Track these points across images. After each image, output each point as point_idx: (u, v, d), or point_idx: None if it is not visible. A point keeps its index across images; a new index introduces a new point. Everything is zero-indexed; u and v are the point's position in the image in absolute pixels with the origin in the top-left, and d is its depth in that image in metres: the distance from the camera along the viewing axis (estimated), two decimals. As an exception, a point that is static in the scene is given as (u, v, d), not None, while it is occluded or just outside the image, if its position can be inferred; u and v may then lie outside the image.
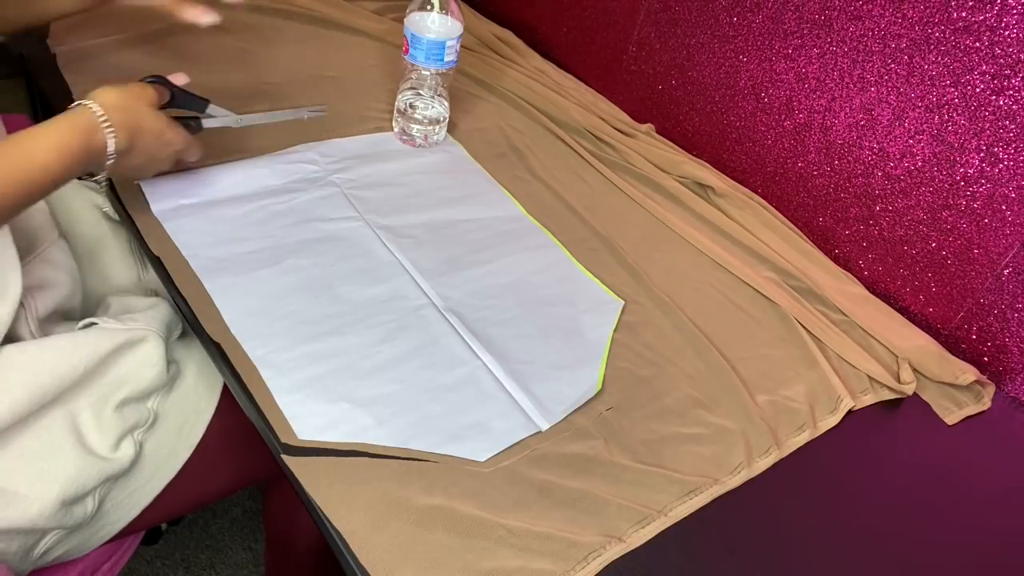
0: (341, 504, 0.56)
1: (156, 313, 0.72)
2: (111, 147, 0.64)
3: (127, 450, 0.67)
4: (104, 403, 0.67)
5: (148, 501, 0.71)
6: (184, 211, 0.77)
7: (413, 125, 0.93)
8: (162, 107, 0.72)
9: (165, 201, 0.78)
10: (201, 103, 0.77)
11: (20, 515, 0.62)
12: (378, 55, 1.10)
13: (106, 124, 0.64)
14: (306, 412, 0.62)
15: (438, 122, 0.94)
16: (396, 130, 0.95)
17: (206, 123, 0.78)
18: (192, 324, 0.68)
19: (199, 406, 0.74)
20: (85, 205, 0.82)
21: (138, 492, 0.70)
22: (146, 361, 0.69)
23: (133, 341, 0.68)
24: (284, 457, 0.58)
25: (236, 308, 0.69)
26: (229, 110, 0.80)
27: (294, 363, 0.66)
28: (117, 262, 0.81)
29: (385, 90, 1.03)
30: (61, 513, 0.63)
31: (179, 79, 0.76)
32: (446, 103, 0.94)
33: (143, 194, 0.77)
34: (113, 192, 0.78)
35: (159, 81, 0.73)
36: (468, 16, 1.23)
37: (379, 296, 0.74)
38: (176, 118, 0.73)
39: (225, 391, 0.76)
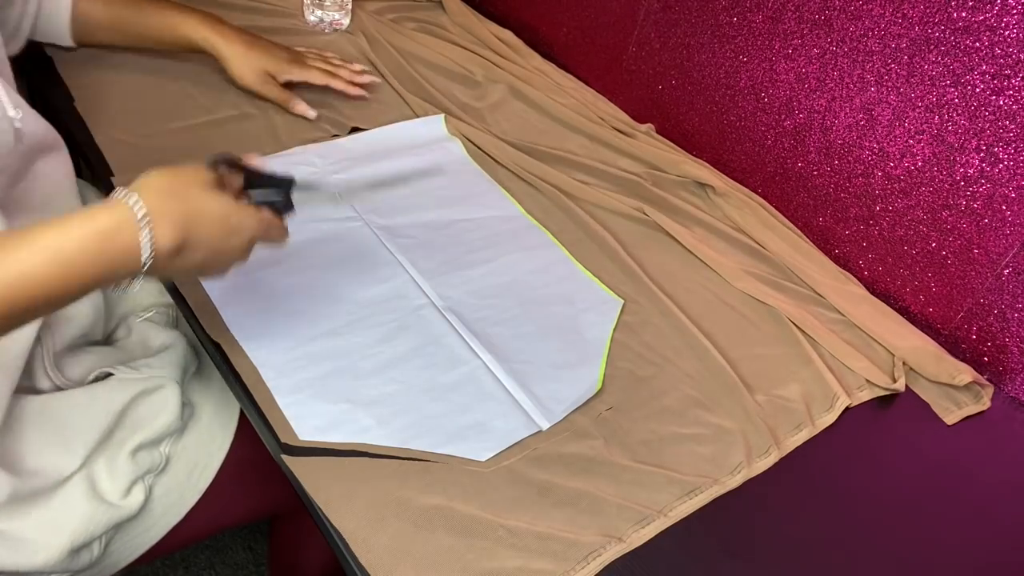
0: (341, 504, 0.56)
1: (173, 356, 0.71)
2: (147, 247, 0.51)
3: (137, 496, 0.66)
4: (119, 449, 0.66)
5: (153, 543, 0.70)
6: None
7: (319, 12, 1.10)
8: (241, 191, 0.61)
9: None
10: (285, 182, 0.63)
11: (26, 561, 0.60)
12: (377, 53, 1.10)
13: (143, 217, 0.51)
14: (307, 413, 0.62)
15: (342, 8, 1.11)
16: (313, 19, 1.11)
17: (300, 195, 0.64)
18: (192, 324, 0.68)
19: (211, 448, 0.72)
20: None
21: (144, 535, 0.69)
22: (162, 407, 0.68)
23: (150, 389, 0.68)
24: (284, 457, 0.58)
25: (236, 309, 0.69)
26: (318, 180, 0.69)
27: (294, 363, 0.66)
28: None
29: (385, 89, 1.04)
30: (68, 560, 0.62)
31: (252, 160, 0.62)
32: None
33: None
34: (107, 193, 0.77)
35: (225, 161, 0.60)
36: (468, 16, 1.23)
37: (379, 296, 0.74)
38: (260, 202, 0.61)
39: (238, 429, 0.74)
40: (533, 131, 1.03)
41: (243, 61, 0.89)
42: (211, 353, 0.66)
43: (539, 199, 0.91)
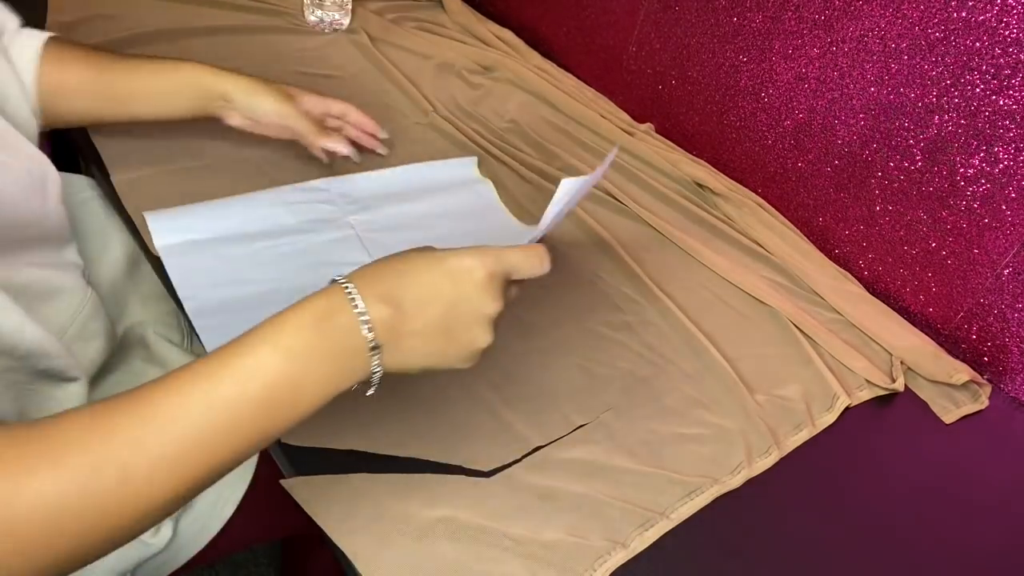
0: (343, 523, 0.55)
1: None
2: (360, 306, 0.45)
3: (165, 533, 0.67)
4: None
5: (174, 569, 0.71)
6: (189, 248, 0.72)
7: (319, 11, 1.11)
8: None
9: (171, 235, 0.72)
10: None
11: None
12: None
13: (346, 284, 0.46)
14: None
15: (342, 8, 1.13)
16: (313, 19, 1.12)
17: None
18: (192, 326, 0.68)
19: (235, 480, 0.72)
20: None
21: (166, 564, 0.70)
22: None
23: None
24: (283, 482, 0.57)
25: (234, 319, 0.67)
26: None
27: None
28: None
29: (385, 88, 1.03)
30: None
31: None
32: None
33: (146, 225, 0.73)
34: (110, 191, 0.77)
35: None
36: (468, 16, 1.23)
37: None
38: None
39: (260, 461, 0.74)
40: (532, 130, 1.03)
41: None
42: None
43: (539, 199, 0.91)
